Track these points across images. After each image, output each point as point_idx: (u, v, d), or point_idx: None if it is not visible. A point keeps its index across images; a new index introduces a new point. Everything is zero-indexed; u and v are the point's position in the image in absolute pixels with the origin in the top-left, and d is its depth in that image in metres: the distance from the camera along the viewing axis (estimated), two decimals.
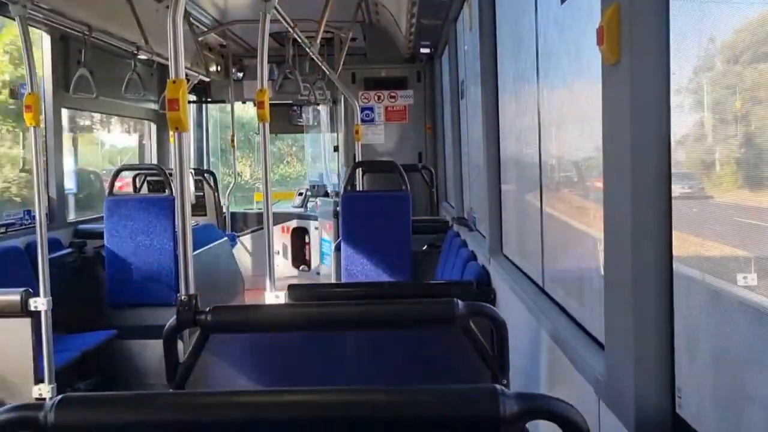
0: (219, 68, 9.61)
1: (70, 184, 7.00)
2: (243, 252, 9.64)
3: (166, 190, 6.38)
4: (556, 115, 2.89)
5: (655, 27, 1.56)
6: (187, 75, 6.32)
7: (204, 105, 10.66)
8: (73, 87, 6.04)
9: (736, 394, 1.47)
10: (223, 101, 10.29)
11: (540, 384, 2.73)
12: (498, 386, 1.21)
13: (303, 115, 10.32)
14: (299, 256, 9.97)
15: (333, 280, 7.05)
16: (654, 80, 1.57)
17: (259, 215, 9.77)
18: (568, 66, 2.65)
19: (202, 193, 9.19)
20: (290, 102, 9.32)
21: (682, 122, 1.59)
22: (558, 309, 2.64)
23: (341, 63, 7.81)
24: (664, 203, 1.58)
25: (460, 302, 2.19)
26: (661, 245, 1.58)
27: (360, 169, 7.66)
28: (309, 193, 10.33)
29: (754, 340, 1.37)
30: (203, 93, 10.21)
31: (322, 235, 8.96)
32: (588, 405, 1.92)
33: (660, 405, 1.60)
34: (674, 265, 1.59)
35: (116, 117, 8.84)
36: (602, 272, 1.96)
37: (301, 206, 10.24)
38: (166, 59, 3.86)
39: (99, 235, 6.30)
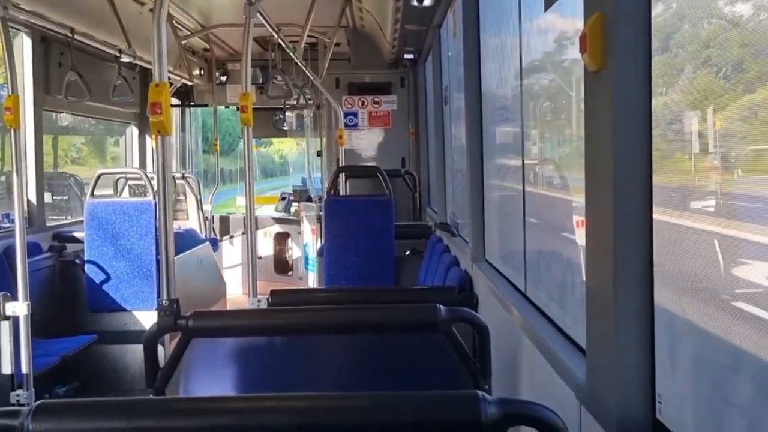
0: (202, 72, 9.56)
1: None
2: (225, 257, 9.59)
3: (148, 194, 6.33)
4: (540, 121, 2.90)
5: (637, 35, 1.57)
6: (170, 78, 6.29)
7: (187, 109, 10.60)
8: (64, 90, 6.00)
9: (716, 399, 1.48)
10: (206, 105, 10.24)
11: (522, 389, 2.73)
12: (479, 392, 1.21)
13: (286, 119, 10.29)
14: (282, 261, 9.94)
15: (315, 285, 7.03)
16: (636, 88, 1.58)
17: (242, 220, 9.73)
18: (551, 73, 2.66)
19: (184, 197, 9.13)
20: (274, 107, 9.29)
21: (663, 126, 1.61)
22: (540, 314, 2.65)
23: (325, 68, 7.80)
24: (645, 210, 1.59)
25: (442, 307, 2.20)
26: (641, 251, 1.59)
27: (343, 173, 7.66)
28: (292, 197, 10.30)
29: (734, 347, 1.38)
30: (186, 97, 10.16)
31: (304, 240, 8.94)
32: (569, 410, 1.93)
33: (641, 410, 1.61)
34: (655, 271, 1.60)
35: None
36: (584, 278, 1.96)
37: (284, 210, 10.21)
38: (149, 62, 3.84)
39: (79, 239, 6.24)
